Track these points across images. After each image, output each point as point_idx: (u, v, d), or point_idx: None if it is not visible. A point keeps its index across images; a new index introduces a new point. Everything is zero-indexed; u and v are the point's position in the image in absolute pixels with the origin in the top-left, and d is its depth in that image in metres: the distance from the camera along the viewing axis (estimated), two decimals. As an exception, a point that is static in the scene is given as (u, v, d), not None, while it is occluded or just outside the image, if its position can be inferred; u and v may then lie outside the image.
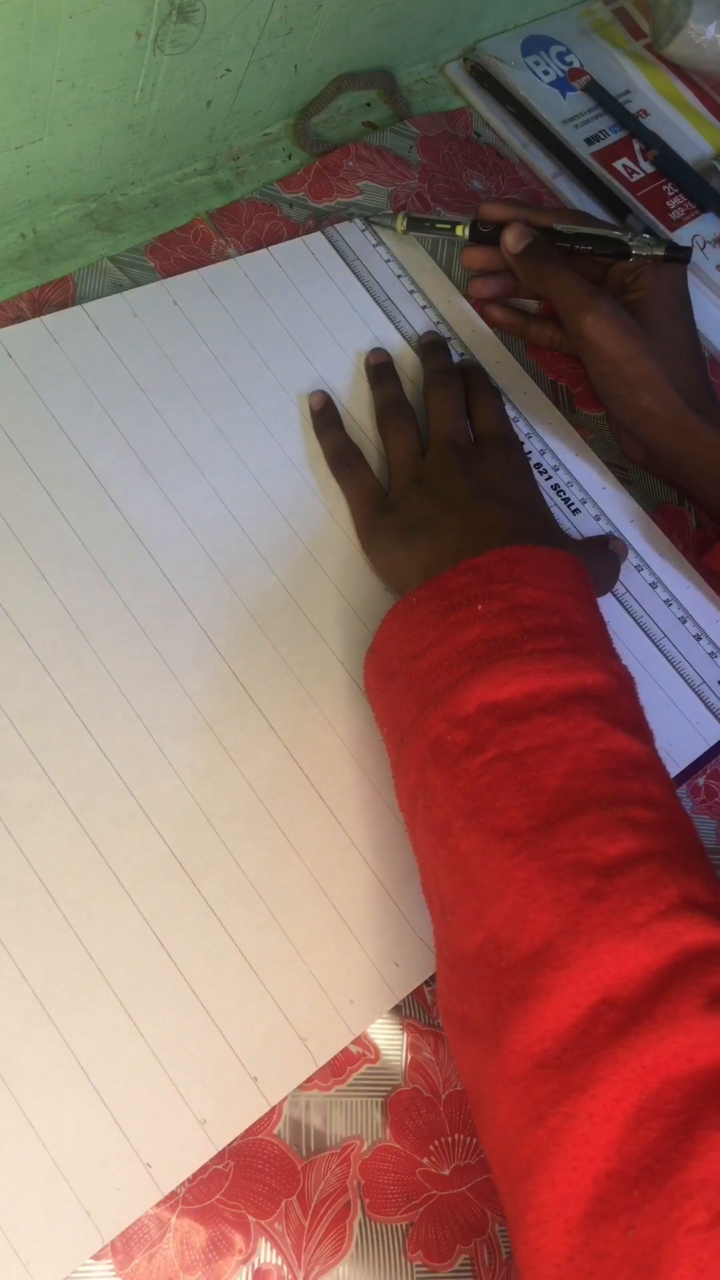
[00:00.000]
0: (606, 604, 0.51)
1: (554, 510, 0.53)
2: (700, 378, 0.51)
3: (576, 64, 0.68)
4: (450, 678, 0.38)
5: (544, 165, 0.64)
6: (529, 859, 0.33)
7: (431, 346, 0.54)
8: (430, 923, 0.38)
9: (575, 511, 0.53)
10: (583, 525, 0.53)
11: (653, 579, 0.52)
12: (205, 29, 0.47)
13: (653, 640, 0.51)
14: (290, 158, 0.59)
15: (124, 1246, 0.35)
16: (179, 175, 0.56)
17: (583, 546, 0.51)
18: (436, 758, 0.37)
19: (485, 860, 0.34)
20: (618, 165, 0.65)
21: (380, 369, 0.53)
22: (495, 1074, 0.31)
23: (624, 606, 0.51)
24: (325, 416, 0.51)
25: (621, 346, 0.49)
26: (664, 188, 0.66)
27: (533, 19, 0.69)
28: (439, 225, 0.56)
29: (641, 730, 0.38)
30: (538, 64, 0.67)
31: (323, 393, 0.51)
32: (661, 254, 0.52)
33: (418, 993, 0.41)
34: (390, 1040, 0.41)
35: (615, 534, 0.53)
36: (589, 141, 0.65)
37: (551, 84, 0.66)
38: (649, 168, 0.66)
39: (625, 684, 0.39)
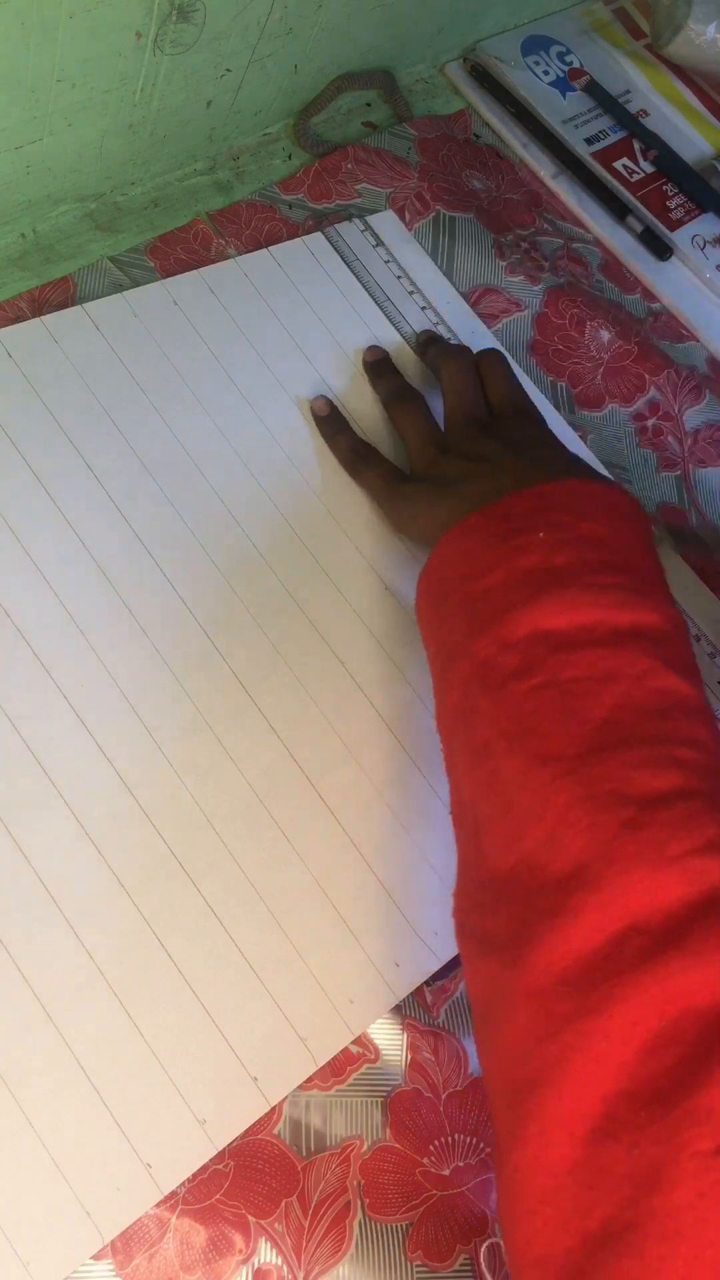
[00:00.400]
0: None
1: None
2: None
3: (576, 64, 0.68)
4: (505, 602, 0.37)
5: (544, 165, 0.64)
6: (570, 784, 0.33)
7: (430, 339, 0.54)
8: (453, 852, 0.39)
9: None
10: None
11: None
12: (205, 29, 0.47)
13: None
14: (290, 158, 0.59)
15: (124, 1246, 0.35)
16: (179, 175, 0.56)
17: None
18: (483, 679, 0.37)
19: (525, 783, 0.34)
20: (618, 165, 0.65)
21: (378, 364, 0.53)
22: (513, 986, 0.31)
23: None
24: (332, 421, 0.51)
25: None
26: (664, 188, 0.66)
27: (533, 19, 0.69)
28: None
29: (692, 674, 0.38)
30: (538, 64, 0.67)
31: (325, 398, 0.51)
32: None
33: (418, 993, 0.41)
34: (390, 1040, 0.41)
35: None
36: (589, 141, 0.65)
37: (551, 84, 0.66)
38: (649, 168, 0.66)
39: (679, 628, 0.39)
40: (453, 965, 0.41)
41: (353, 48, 0.57)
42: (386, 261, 0.57)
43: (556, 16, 0.70)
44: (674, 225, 0.64)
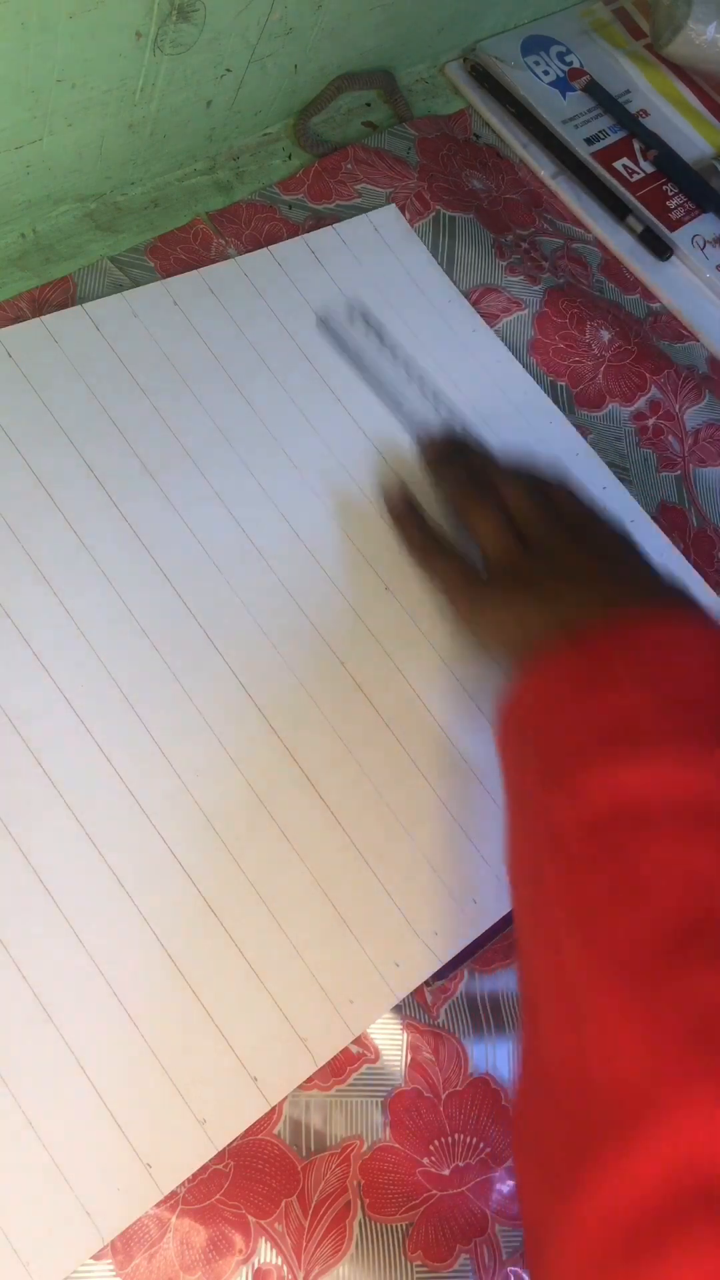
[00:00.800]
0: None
1: None
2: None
3: (576, 64, 0.68)
4: (585, 758, 0.35)
5: (544, 165, 0.64)
6: (641, 999, 0.30)
7: (455, 446, 0.50)
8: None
9: None
10: None
11: None
12: (205, 29, 0.47)
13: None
14: (290, 158, 0.59)
15: (124, 1246, 0.35)
16: (179, 175, 0.56)
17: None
18: (554, 848, 0.34)
19: (589, 980, 0.31)
20: (618, 165, 0.65)
21: (444, 449, 0.50)
22: (564, 1219, 0.29)
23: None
24: (402, 505, 0.49)
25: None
26: (664, 188, 0.66)
27: (533, 19, 0.69)
28: None
29: None
30: (538, 64, 0.67)
31: (399, 478, 0.50)
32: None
33: (418, 993, 0.41)
34: (390, 1040, 0.41)
35: None
36: (589, 141, 0.65)
37: (551, 84, 0.66)
38: (649, 168, 0.66)
39: None
40: (453, 965, 0.42)
41: (353, 48, 0.57)
42: (388, 261, 0.56)
43: (556, 16, 0.70)
44: (674, 225, 0.64)
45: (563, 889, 0.33)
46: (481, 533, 0.46)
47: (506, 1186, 0.40)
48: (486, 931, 0.42)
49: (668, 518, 0.56)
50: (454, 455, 0.50)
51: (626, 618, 0.38)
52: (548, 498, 0.47)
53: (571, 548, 0.43)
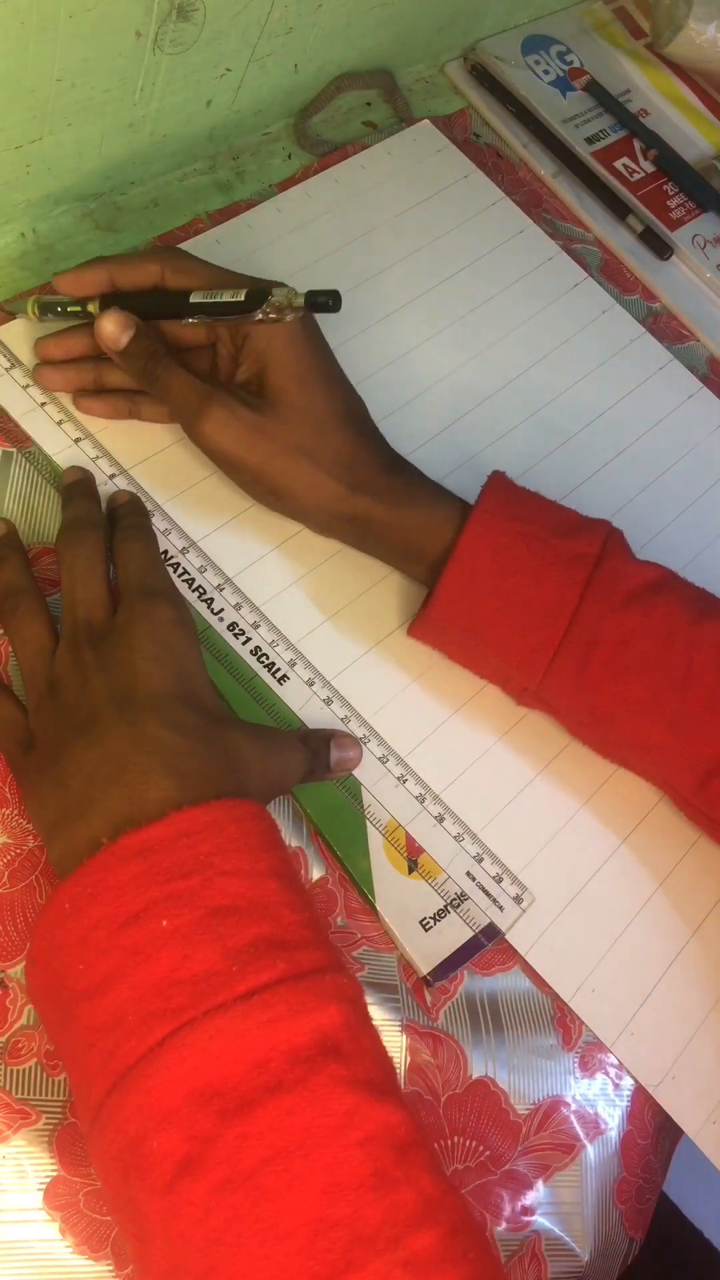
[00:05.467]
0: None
1: (257, 679, 0.44)
2: (359, 442, 0.43)
3: (577, 63, 0.68)
4: (140, 1044, 0.29)
5: (544, 165, 0.64)
6: None
7: (69, 492, 0.45)
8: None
9: (283, 679, 0.44)
10: (294, 697, 0.44)
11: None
12: (205, 28, 0.47)
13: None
14: (290, 157, 0.59)
15: (124, 1248, 0.35)
16: (179, 175, 0.56)
17: (263, 738, 0.40)
18: (142, 1172, 0.28)
19: None
20: (618, 165, 0.65)
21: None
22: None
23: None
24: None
25: (250, 452, 0.42)
26: (664, 187, 0.66)
27: (533, 18, 0.69)
28: (70, 309, 0.45)
29: (387, 1074, 0.31)
30: (538, 63, 0.67)
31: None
32: (302, 307, 0.41)
33: (418, 994, 0.41)
34: (389, 1042, 0.41)
35: (344, 721, 0.44)
36: (589, 141, 0.65)
37: (552, 83, 0.66)
38: (649, 167, 0.66)
39: (356, 999, 0.32)
40: (453, 965, 0.41)
41: (353, 47, 0.57)
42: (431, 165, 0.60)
43: (557, 16, 0.70)
44: (674, 225, 0.64)
45: (164, 1220, 0.28)
46: (20, 657, 0.40)
47: (506, 1189, 0.40)
48: (485, 930, 0.42)
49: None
50: (86, 489, 0.45)
51: (136, 834, 0.32)
52: (117, 558, 0.42)
53: (98, 696, 0.36)
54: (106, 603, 0.40)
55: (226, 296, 0.42)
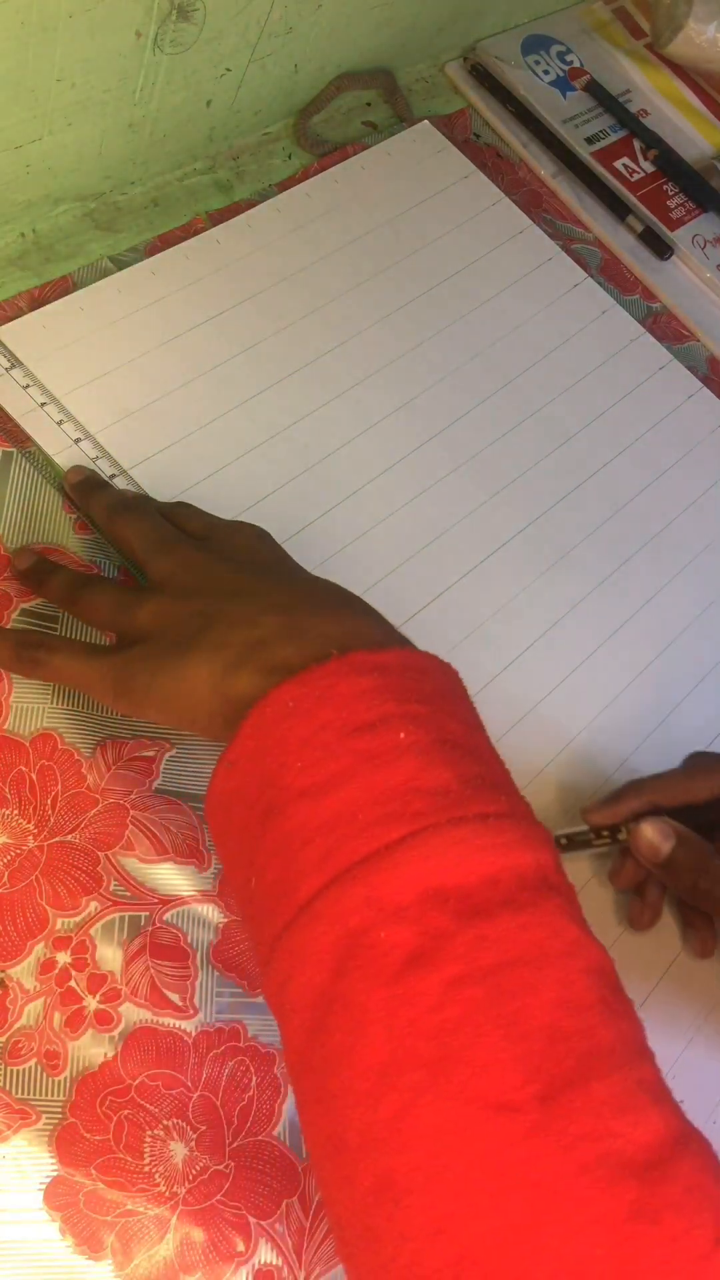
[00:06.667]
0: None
1: None
2: None
3: (577, 63, 0.68)
4: (374, 841, 0.28)
5: (544, 165, 0.64)
6: (545, 1147, 0.25)
7: (84, 487, 0.45)
8: None
9: None
10: None
11: None
12: (205, 28, 0.47)
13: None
14: (290, 157, 0.59)
15: (124, 1246, 0.35)
16: (179, 175, 0.56)
17: None
18: (363, 961, 0.27)
19: (472, 1141, 0.25)
20: (618, 165, 0.65)
21: (84, 484, 0.45)
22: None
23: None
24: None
25: None
26: (664, 187, 0.66)
27: (533, 18, 0.69)
28: (600, 843, 0.43)
29: (584, 920, 0.31)
30: (538, 63, 0.67)
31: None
32: None
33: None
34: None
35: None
36: (589, 141, 0.65)
37: (552, 83, 0.66)
38: (649, 167, 0.66)
39: (556, 853, 0.31)
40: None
41: (353, 47, 0.57)
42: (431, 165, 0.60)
43: (557, 16, 0.70)
44: (674, 225, 0.64)
45: (390, 1008, 0.27)
46: (136, 547, 0.40)
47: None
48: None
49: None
50: (97, 480, 0.45)
51: (364, 654, 0.31)
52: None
53: (229, 573, 0.36)
54: (205, 526, 0.41)
55: None
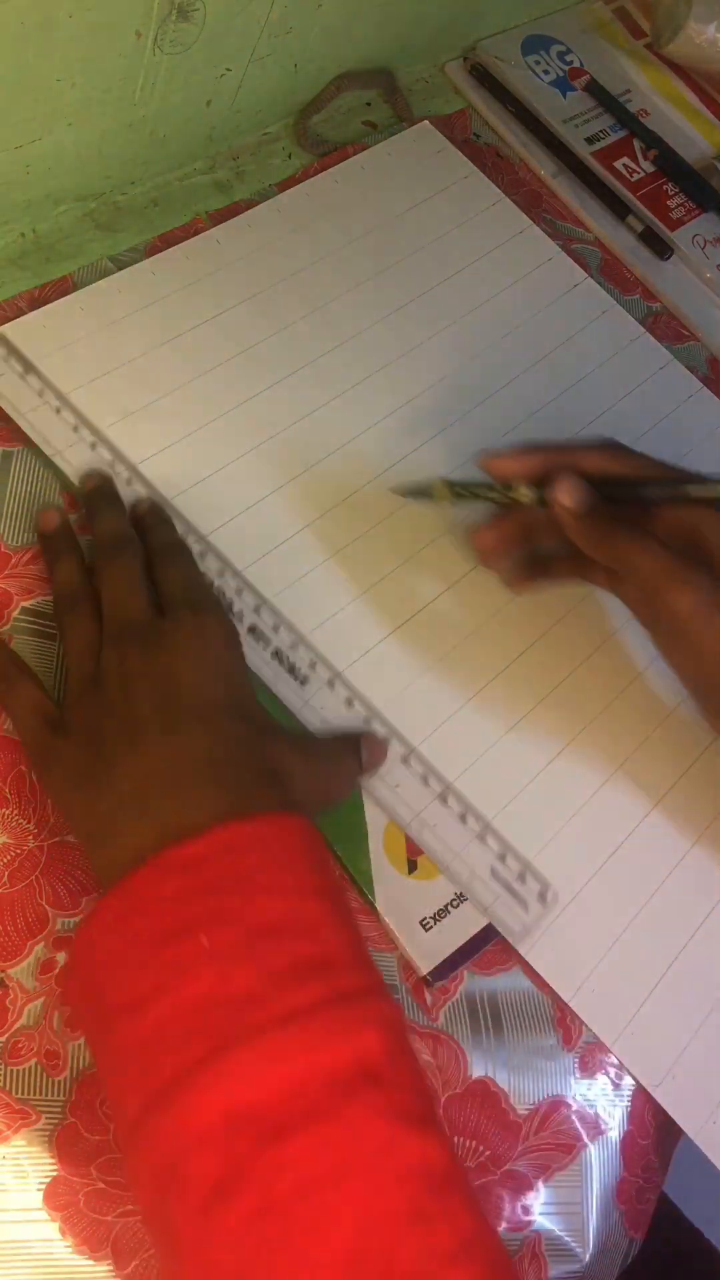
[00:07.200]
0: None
1: (277, 685, 0.44)
2: None
3: (577, 63, 0.68)
4: (179, 1062, 0.29)
5: (544, 165, 0.64)
6: None
7: (94, 501, 0.44)
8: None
9: (304, 682, 0.44)
10: (318, 699, 0.44)
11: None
12: (205, 28, 0.47)
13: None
14: (290, 157, 0.59)
15: (124, 1247, 0.35)
16: (179, 175, 0.56)
17: (311, 750, 0.40)
18: (179, 1193, 0.28)
19: None
20: (618, 165, 0.65)
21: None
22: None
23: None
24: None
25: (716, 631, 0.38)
26: (664, 187, 0.66)
27: (533, 18, 0.69)
28: (493, 492, 0.44)
29: (426, 1104, 0.31)
30: (538, 63, 0.67)
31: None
32: None
33: (418, 994, 0.41)
34: (390, 1041, 0.41)
35: (366, 721, 0.44)
36: (589, 141, 0.65)
37: (552, 83, 0.66)
38: (649, 167, 0.66)
39: (397, 1025, 0.31)
40: (453, 964, 0.41)
41: (353, 47, 0.57)
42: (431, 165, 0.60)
43: (557, 16, 0.70)
44: (674, 225, 0.64)
45: (198, 1243, 0.27)
46: (68, 647, 0.40)
47: (506, 1189, 0.40)
48: (485, 930, 0.42)
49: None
50: (106, 505, 0.44)
51: (180, 847, 0.32)
52: (155, 572, 0.42)
53: (145, 698, 0.36)
54: (149, 608, 0.40)
55: (695, 489, 0.40)
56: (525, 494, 0.42)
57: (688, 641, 0.39)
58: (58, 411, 0.47)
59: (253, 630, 0.45)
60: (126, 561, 0.41)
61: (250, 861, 0.32)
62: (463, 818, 0.44)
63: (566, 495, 0.40)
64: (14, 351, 0.47)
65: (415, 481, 0.47)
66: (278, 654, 0.45)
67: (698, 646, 0.38)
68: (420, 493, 0.47)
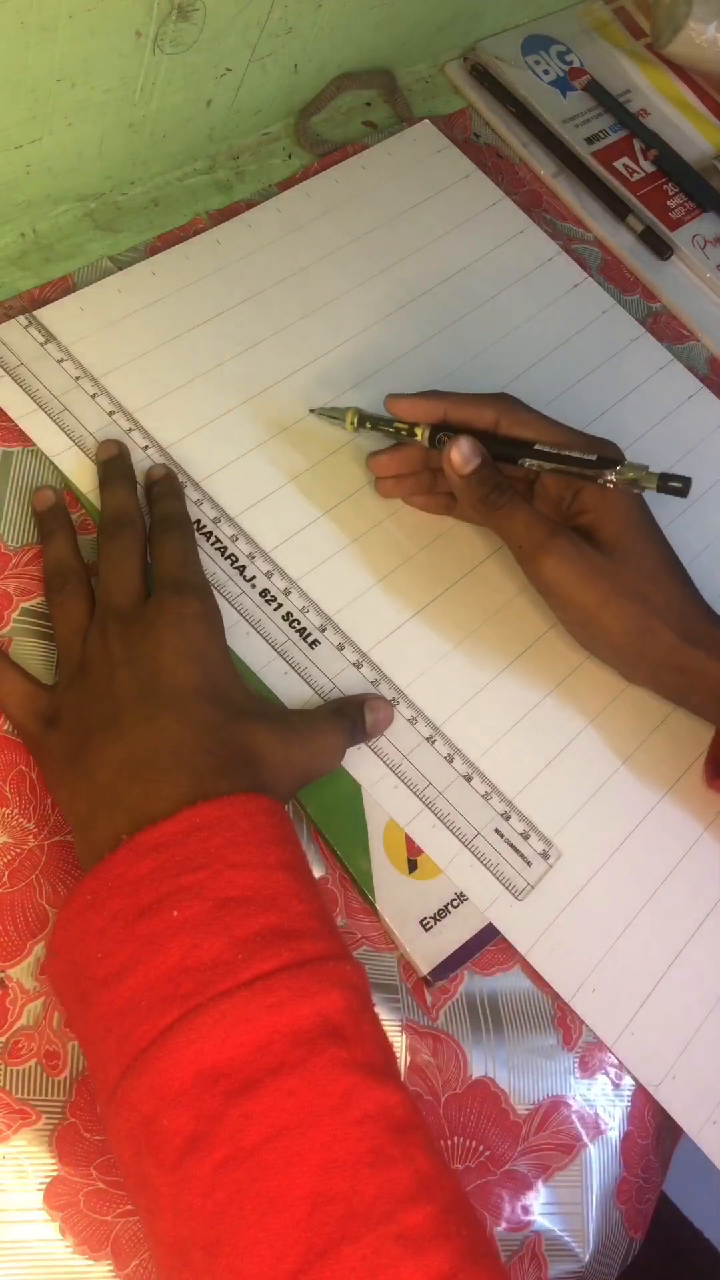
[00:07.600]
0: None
1: (288, 646, 0.45)
2: (691, 595, 0.45)
3: (577, 63, 0.68)
4: (152, 1028, 0.30)
5: (544, 165, 0.64)
6: None
7: (107, 472, 0.46)
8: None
9: (314, 644, 0.46)
10: (325, 661, 0.45)
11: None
12: (205, 28, 0.47)
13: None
14: (290, 157, 0.59)
15: (124, 1247, 0.35)
16: (179, 175, 0.56)
17: (288, 728, 0.40)
18: (154, 1149, 0.29)
19: None
20: (618, 165, 0.65)
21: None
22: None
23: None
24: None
25: (589, 591, 0.43)
26: (664, 187, 0.66)
27: (533, 18, 0.69)
28: (396, 427, 0.47)
29: (388, 1058, 0.32)
30: (538, 63, 0.67)
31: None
32: (653, 487, 0.43)
33: (418, 994, 0.41)
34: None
35: (373, 682, 0.45)
36: (589, 141, 0.65)
37: (552, 83, 0.66)
38: (649, 167, 0.66)
39: (359, 986, 0.33)
40: (453, 964, 0.42)
41: (353, 47, 0.57)
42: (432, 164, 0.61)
43: (557, 16, 0.70)
44: (674, 225, 0.64)
45: (174, 1194, 0.29)
46: (58, 631, 0.42)
47: (506, 1189, 0.40)
48: (485, 930, 0.42)
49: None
50: (123, 468, 0.46)
51: (150, 832, 0.33)
52: (154, 550, 0.43)
53: (124, 684, 0.38)
54: (139, 593, 0.42)
55: (575, 453, 0.44)
56: (420, 434, 0.46)
57: (558, 601, 0.45)
58: (58, 412, 0.47)
59: (265, 594, 0.46)
60: (124, 543, 0.43)
61: (218, 840, 0.34)
62: (469, 779, 0.45)
63: (457, 455, 0.44)
64: (9, 351, 0.47)
65: (334, 407, 0.50)
66: (289, 616, 0.46)
67: (567, 606, 0.44)
68: (334, 416, 0.50)
